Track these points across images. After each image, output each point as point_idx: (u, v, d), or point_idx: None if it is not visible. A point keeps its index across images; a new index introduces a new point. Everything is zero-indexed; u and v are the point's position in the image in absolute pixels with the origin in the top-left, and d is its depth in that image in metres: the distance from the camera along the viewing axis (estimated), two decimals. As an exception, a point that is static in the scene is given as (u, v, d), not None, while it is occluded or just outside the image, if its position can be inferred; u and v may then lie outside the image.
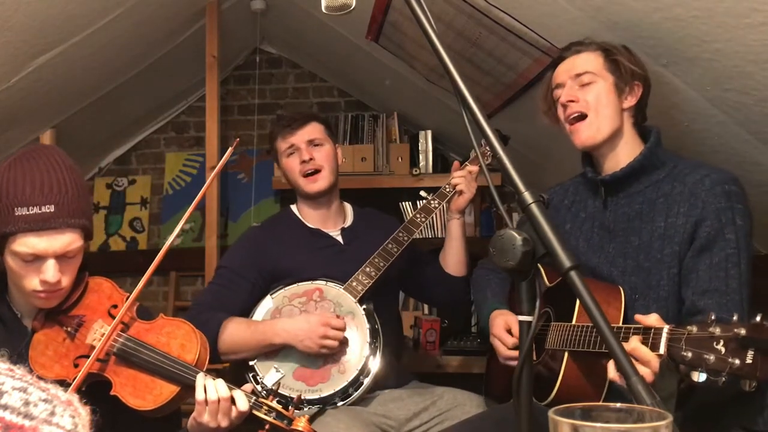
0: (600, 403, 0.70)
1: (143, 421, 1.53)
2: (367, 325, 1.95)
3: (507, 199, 3.38)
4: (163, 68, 3.35)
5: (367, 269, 2.03)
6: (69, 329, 1.55)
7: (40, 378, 0.60)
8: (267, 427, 1.51)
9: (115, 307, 1.59)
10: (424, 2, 1.05)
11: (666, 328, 1.24)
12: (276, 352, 1.94)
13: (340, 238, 2.19)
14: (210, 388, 1.49)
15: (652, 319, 1.29)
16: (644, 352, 1.24)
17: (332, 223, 2.22)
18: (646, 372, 1.24)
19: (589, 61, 1.65)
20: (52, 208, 1.42)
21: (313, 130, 2.19)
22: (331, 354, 1.91)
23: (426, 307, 3.43)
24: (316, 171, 2.15)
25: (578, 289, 0.88)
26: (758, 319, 1.12)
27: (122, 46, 2.84)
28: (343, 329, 1.90)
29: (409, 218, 2.18)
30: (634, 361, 1.23)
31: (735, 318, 1.14)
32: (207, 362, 1.61)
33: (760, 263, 1.56)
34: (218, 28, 3.11)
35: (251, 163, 3.89)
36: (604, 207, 1.68)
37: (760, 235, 2.11)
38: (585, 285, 0.88)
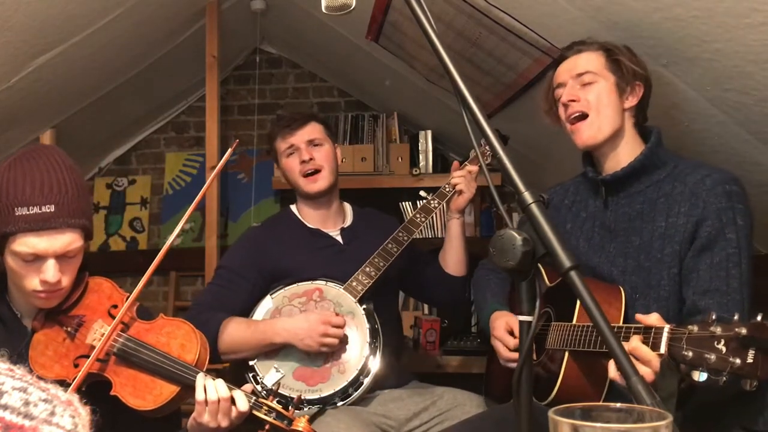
0: (600, 403, 0.70)
1: (143, 421, 1.53)
2: (367, 325, 1.95)
3: (507, 199, 3.38)
4: (163, 68, 3.35)
5: (367, 269, 2.03)
6: (69, 329, 1.55)
7: (40, 378, 0.60)
8: (267, 427, 1.51)
9: (115, 307, 1.59)
10: (424, 2, 1.05)
11: (667, 327, 1.24)
12: (276, 351, 1.94)
13: (339, 238, 2.19)
14: (210, 389, 1.49)
15: (653, 319, 1.29)
16: (645, 351, 1.25)
17: (332, 223, 2.22)
18: (646, 372, 1.24)
19: (590, 61, 1.65)
20: (52, 208, 1.42)
21: (313, 130, 2.19)
22: (331, 353, 1.91)
23: (426, 307, 3.43)
24: (316, 171, 2.15)
25: (578, 289, 0.88)
26: (759, 318, 1.12)
27: (122, 46, 2.84)
28: (343, 327, 1.90)
29: (408, 218, 2.18)
30: (634, 361, 1.23)
31: (736, 317, 1.14)
32: (207, 362, 1.61)
33: (761, 263, 1.56)
34: (218, 28, 3.11)
35: (251, 163, 3.89)
36: (604, 207, 1.69)
37: (761, 235, 2.11)
38: (585, 285, 0.88)
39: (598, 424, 0.64)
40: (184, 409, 1.59)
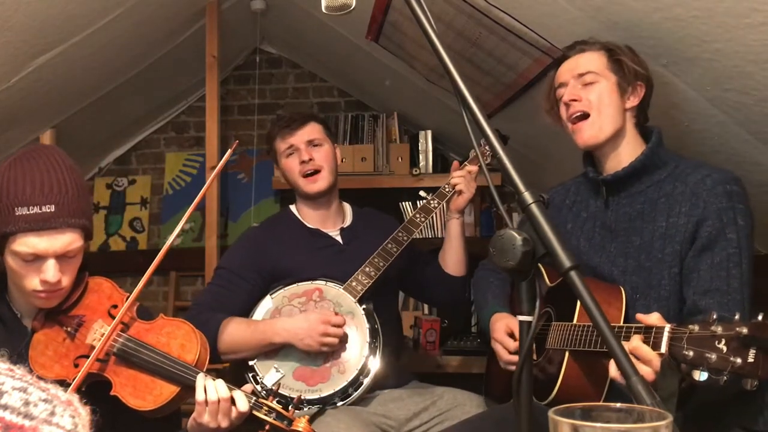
0: (600, 403, 0.70)
1: (143, 421, 1.53)
2: (367, 325, 1.95)
3: (507, 199, 3.38)
4: (163, 68, 3.35)
5: (367, 269, 2.03)
6: (69, 329, 1.55)
7: (40, 378, 0.60)
8: (267, 427, 1.51)
9: (115, 307, 1.59)
10: (424, 2, 1.05)
11: (667, 327, 1.24)
12: (276, 352, 1.94)
13: (339, 238, 2.19)
14: (210, 389, 1.49)
15: (654, 318, 1.29)
16: (646, 351, 1.25)
17: (331, 223, 2.22)
18: (647, 371, 1.24)
19: (592, 61, 1.65)
20: (52, 208, 1.42)
21: (312, 130, 2.19)
22: (330, 353, 1.91)
23: (426, 307, 3.43)
24: (316, 171, 2.15)
25: (578, 289, 0.88)
26: (760, 318, 1.12)
27: (122, 46, 2.84)
28: (342, 326, 1.90)
29: (408, 218, 2.18)
30: (635, 361, 1.24)
31: (737, 317, 1.14)
32: (207, 362, 1.61)
33: (761, 263, 1.56)
34: (218, 28, 3.11)
35: (251, 163, 3.89)
36: (605, 207, 1.69)
37: (761, 235, 2.11)
38: (585, 285, 0.88)
39: (598, 424, 0.64)
40: (184, 409, 1.59)
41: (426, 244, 3.09)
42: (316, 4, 1.21)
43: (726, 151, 1.93)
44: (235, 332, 1.95)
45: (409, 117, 3.68)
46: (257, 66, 3.82)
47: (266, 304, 2.03)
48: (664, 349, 1.23)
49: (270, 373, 1.92)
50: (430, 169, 3.55)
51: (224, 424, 1.50)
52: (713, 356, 1.13)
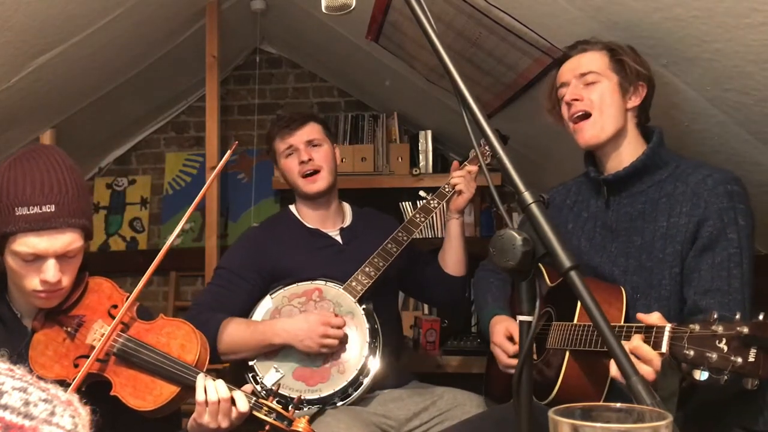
0: (600, 403, 0.70)
1: (143, 422, 1.53)
2: (367, 325, 1.95)
3: (507, 199, 3.38)
4: (163, 68, 3.35)
5: (367, 269, 2.03)
6: (69, 329, 1.55)
7: (40, 378, 0.60)
8: (267, 428, 1.51)
9: (115, 307, 1.59)
10: (424, 2, 1.05)
11: (668, 326, 1.24)
12: (275, 352, 1.94)
13: (339, 238, 2.19)
14: (210, 389, 1.49)
15: (654, 318, 1.30)
16: (646, 350, 1.25)
17: (331, 223, 2.22)
18: (647, 371, 1.24)
19: (594, 61, 1.65)
20: (52, 208, 1.42)
21: (312, 130, 2.19)
22: (330, 354, 1.91)
23: (426, 307, 3.43)
24: (315, 171, 2.15)
25: (578, 289, 0.88)
26: (761, 317, 1.12)
27: (122, 46, 2.84)
28: (342, 327, 1.90)
29: (408, 218, 2.17)
30: (636, 360, 1.24)
31: (737, 316, 1.14)
32: (207, 363, 1.61)
33: (761, 263, 1.56)
34: (218, 28, 3.11)
35: (251, 163, 3.89)
36: (606, 206, 1.69)
37: (761, 235, 2.11)
38: (585, 285, 0.88)
39: (598, 424, 0.64)
40: (184, 410, 1.59)
41: (426, 244, 3.09)
42: (316, 4, 1.21)
43: (726, 151, 1.93)
44: (234, 333, 1.95)
45: (409, 117, 3.68)
46: (257, 66, 3.82)
47: (266, 304, 2.03)
48: (664, 348, 1.23)
49: (270, 373, 1.92)
50: (430, 169, 3.55)
51: (224, 424, 1.50)
52: (714, 356, 1.13)
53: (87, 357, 1.49)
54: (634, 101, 1.64)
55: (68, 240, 1.45)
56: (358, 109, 3.83)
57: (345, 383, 1.88)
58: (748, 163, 1.91)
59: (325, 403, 1.87)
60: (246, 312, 2.03)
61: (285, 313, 2.00)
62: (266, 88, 3.93)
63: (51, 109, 2.94)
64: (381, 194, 3.46)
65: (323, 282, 2.03)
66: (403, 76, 2.95)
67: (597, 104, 1.62)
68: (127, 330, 1.57)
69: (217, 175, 1.94)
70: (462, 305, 3.01)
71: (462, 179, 2.15)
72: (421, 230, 2.19)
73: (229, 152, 1.75)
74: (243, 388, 1.56)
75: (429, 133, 3.58)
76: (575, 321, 1.53)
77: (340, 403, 1.88)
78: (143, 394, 1.51)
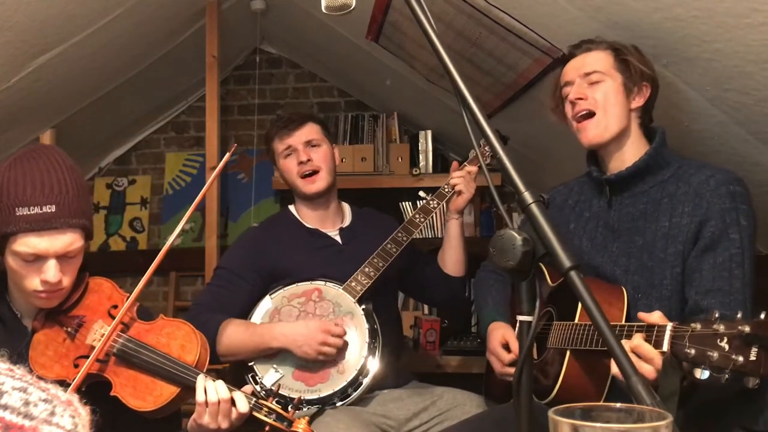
0: (600, 403, 0.70)
1: (143, 422, 1.53)
2: (366, 326, 1.95)
3: (507, 199, 3.38)
4: (163, 68, 3.35)
5: (366, 269, 2.03)
6: (69, 329, 1.55)
7: (40, 378, 0.60)
8: (267, 428, 1.51)
9: (116, 307, 1.59)
10: (424, 2, 1.05)
11: (669, 325, 1.25)
12: (275, 352, 1.94)
13: (338, 238, 2.18)
14: (210, 390, 1.49)
15: (656, 317, 1.30)
16: (647, 349, 1.25)
17: (330, 223, 2.22)
18: (648, 369, 1.24)
19: (598, 60, 1.65)
20: (53, 208, 1.42)
21: (311, 130, 2.19)
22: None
23: (426, 307, 3.43)
24: (314, 172, 2.15)
25: (578, 289, 0.88)
26: (762, 316, 1.12)
27: (122, 46, 2.84)
28: (342, 336, 1.90)
29: (408, 219, 2.18)
30: (637, 359, 1.24)
31: (739, 315, 1.14)
32: (207, 363, 1.61)
33: (761, 263, 1.56)
34: (218, 28, 3.11)
35: (251, 163, 3.89)
36: (608, 206, 1.69)
37: (761, 236, 2.11)
38: (585, 285, 0.88)
39: (598, 424, 0.64)
40: (184, 410, 1.59)
41: (426, 244, 3.09)
42: (316, 4, 1.21)
43: (726, 151, 1.93)
44: (233, 335, 1.95)
45: (409, 117, 3.68)
46: (257, 66, 3.82)
47: (265, 305, 2.03)
48: (665, 347, 1.23)
49: (269, 374, 1.92)
50: (430, 169, 3.55)
51: (224, 425, 1.50)
52: (715, 354, 1.13)
53: (87, 357, 1.49)
54: (638, 101, 1.64)
55: (69, 240, 1.45)
56: (358, 109, 3.84)
57: (344, 383, 1.88)
58: (748, 163, 1.91)
59: (324, 404, 1.87)
60: (246, 312, 2.03)
61: (285, 313, 2.00)
62: (266, 88, 3.93)
63: (51, 109, 2.94)
64: (381, 194, 3.46)
65: (323, 282, 2.03)
66: (403, 76, 2.95)
67: (601, 103, 1.62)
68: (127, 330, 1.57)
69: (216, 176, 1.94)
70: (462, 305, 3.01)
71: (462, 179, 2.15)
72: (420, 230, 2.19)
73: (228, 155, 1.75)
74: (243, 388, 1.56)
75: (429, 133, 3.58)
76: (576, 321, 1.53)
77: (340, 403, 1.88)
78: (143, 394, 1.51)
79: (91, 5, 2.37)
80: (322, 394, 1.87)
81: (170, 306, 3.79)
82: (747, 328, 1.11)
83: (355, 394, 1.89)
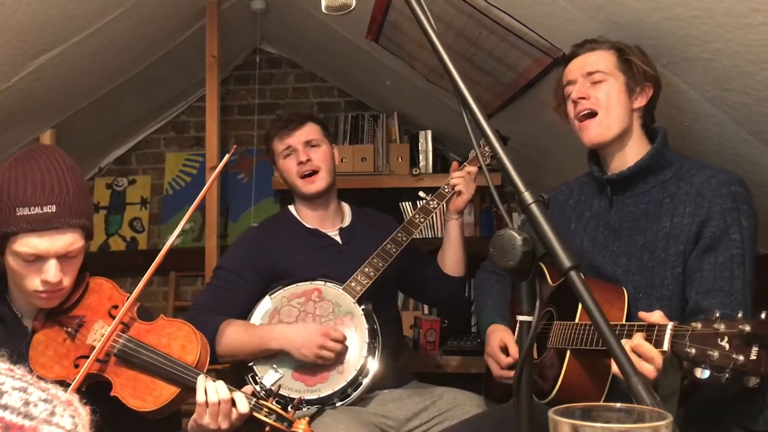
0: (600, 403, 0.70)
1: (143, 422, 1.53)
2: (366, 326, 1.95)
3: (507, 199, 3.38)
4: (163, 68, 3.35)
5: (366, 270, 2.03)
6: (69, 329, 1.55)
7: (40, 378, 0.60)
8: (267, 429, 1.51)
9: (116, 307, 1.59)
10: (424, 2, 1.05)
11: (670, 324, 1.25)
12: (274, 353, 1.94)
13: (338, 238, 2.18)
14: (211, 390, 1.49)
15: (656, 316, 1.30)
16: (648, 348, 1.25)
17: (330, 223, 2.22)
18: (649, 369, 1.24)
19: (601, 60, 1.65)
20: (53, 208, 1.42)
21: (310, 130, 2.19)
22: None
23: (426, 307, 3.43)
24: (314, 172, 2.15)
25: (578, 289, 0.88)
26: (763, 315, 1.12)
27: (122, 46, 2.84)
28: (341, 341, 1.90)
29: (408, 219, 2.17)
30: (637, 358, 1.24)
31: (740, 315, 1.14)
32: (207, 364, 1.61)
33: (762, 264, 1.56)
34: (218, 28, 3.11)
35: (251, 163, 3.89)
36: (609, 206, 1.69)
37: (762, 236, 2.11)
38: (585, 285, 0.88)
39: (598, 424, 0.64)
40: (184, 410, 1.59)
41: (425, 244, 3.09)
42: (316, 4, 1.21)
43: (726, 151, 1.93)
44: (233, 335, 1.95)
45: (409, 117, 3.68)
46: (257, 66, 3.82)
47: (265, 305, 2.03)
48: (666, 346, 1.23)
49: (268, 374, 1.92)
50: (430, 169, 3.55)
51: (224, 425, 1.50)
52: (715, 353, 1.13)
53: (87, 357, 1.49)
54: (640, 102, 1.64)
55: (69, 240, 1.45)
56: (358, 109, 3.84)
57: (344, 383, 1.88)
58: (748, 163, 1.91)
59: (324, 404, 1.87)
60: (245, 312, 2.03)
61: (284, 313, 2.00)
62: (266, 88, 3.93)
63: (51, 109, 2.94)
64: (381, 194, 3.46)
65: (322, 282, 2.03)
66: (403, 76, 2.95)
67: (603, 103, 1.62)
68: (128, 330, 1.57)
69: (216, 176, 1.94)
70: (461, 305, 3.01)
71: (461, 180, 2.15)
72: (420, 230, 2.19)
73: (227, 156, 1.76)
74: (243, 389, 1.56)
75: (429, 133, 3.58)
76: (577, 320, 1.53)
77: (339, 403, 1.88)
78: (143, 394, 1.51)
79: (91, 5, 2.37)
80: (322, 395, 1.87)
81: (170, 306, 3.79)
82: (747, 328, 1.11)
83: (354, 394, 1.89)
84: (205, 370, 1.56)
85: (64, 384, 1.40)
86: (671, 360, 1.25)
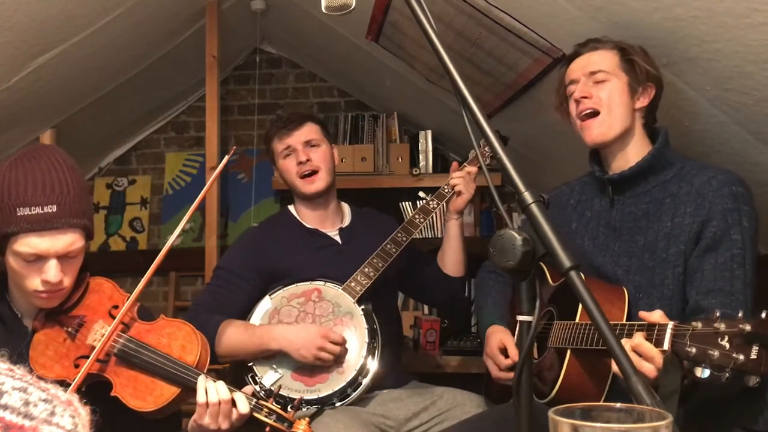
0: (600, 403, 0.70)
1: (143, 422, 1.53)
2: (366, 326, 1.95)
3: (507, 199, 3.38)
4: (163, 68, 3.35)
5: (366, 270, 2.03)
6: (69, 329, 1.55)
7: (40, 378, 0.60)
8: (267, 429, 1.51)
9: (116, 307, 1.59)
10: (424, 2, 1.05)
11: (670, 324, 1.25)
12: (274, 353, 1.94)
13: (338, 238, 2.18)
14: (211, 391, 1.49)
15: (657, 316, 1.30)
16: (648, 348, 1.25)
17: (330, 223, 2.22)
18: (649, 368, 1.24)
19: (604, 59, 1.65)
20: (54, 208, 1.42)
21: (310, 130, 2.19)
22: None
23: (426, 307, 3.43)
24: (314, 172, 2.15)
25: (578, 289, 0.88)
26: (763, 315, 1.12)
27: (122, 46, 2.84)
28: (341, 344, 1.90)
29: (407, 219, 2.17)
30: (638, 358, 1.24)
31: (740, 314, 1.14)
32: (208, 364, 1.61)
33: (762, 264, 1.56)
34: (218, 28, 3.12)
35: (251, 163, 3.89)
36: (610, 206, 1.69)
37: (762, 236, 2.11)
38: (585, 285, 0.88)
39: (598, 424, 0.64)
40: (184, 410, 1.59)
41: (425, 244, 3.09)
42: (316, 4, 1.21)
43: (726, 151, 1.93)
44: (232, 336, 1.95)
45: (409, 117, 3.68)
46: (257, 66, 3.82)
47: (265, 305, 2.03)
48: (666, 345, 1.23)
49: (268, 374, 1.92)
50: (430, 169, 3.55)
51: (225, 425, 1.50)
52: (716, 353, 1.13)
53: (87, 357, 1.49)
54: (643, 102, 1.64)
55: (70, 240, 1.45)
56: (358, 109, 3.84)
57: (344, 383, 1.88)
58: (748, 163, 1.91)
59: (323, 404, 1.87)
60: (245, 312, 2.03)
61: (284, 313, 2.00)
62: (266, 88, 3.93)
63: (51, 109, 2.94)
64: (381, 194, 3.46)
65: (322, 282, 2.03)
66: (403, 76, 2.95)
67: (605, 103, 1.62)
68: (128, 330, 1.57)
69: (216, 176, 1.94)
70: (461, 305, 3.01)
71: (461, 180, 2.15)
72: (420, 230, 2.19)
73: (227, 157, 1.76)
74: (243, 389, 1.56)
75: (429, 133, 3.58)
76: (577, 320, 1.53)
77: (339, 403, 1.88)
78: (144, 394, 1.51)
79: (91, 5, 2.37)
80: (322, 395, 1.87)
81: (170, 306, 3.79)
82: (748, 327, 1.11)
83: (354, 395, 1.89)
84: (205, 371, 1.56)
85: (64, 384, 1.40)
86: (671, 359, 1.25)
